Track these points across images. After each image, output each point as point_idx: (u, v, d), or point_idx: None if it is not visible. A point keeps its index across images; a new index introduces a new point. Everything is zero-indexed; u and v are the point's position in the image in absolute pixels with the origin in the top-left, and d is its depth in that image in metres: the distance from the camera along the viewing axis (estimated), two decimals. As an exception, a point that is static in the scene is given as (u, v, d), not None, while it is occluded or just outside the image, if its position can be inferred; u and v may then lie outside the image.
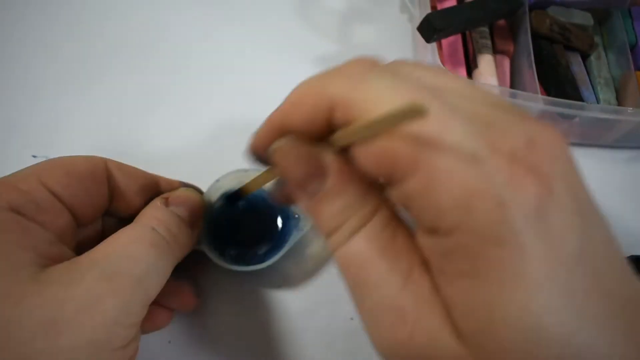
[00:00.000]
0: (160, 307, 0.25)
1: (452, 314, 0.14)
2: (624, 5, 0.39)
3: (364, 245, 0.15)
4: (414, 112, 0.12)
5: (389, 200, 0.16)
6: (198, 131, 0.35)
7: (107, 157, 0.24)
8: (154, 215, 0.22)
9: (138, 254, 0.20)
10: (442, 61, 0.35)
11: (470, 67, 0.38)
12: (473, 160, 0.13)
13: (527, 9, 0.37)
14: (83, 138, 0.34)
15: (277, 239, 0.29)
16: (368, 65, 0.16)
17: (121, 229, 0.21)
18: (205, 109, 0.36)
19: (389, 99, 0.14)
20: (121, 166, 0.24)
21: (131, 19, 0.39)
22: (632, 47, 0.38)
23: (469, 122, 0.13)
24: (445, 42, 0.38)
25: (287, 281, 0.30)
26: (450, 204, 0.13)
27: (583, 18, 0.38)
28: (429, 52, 0.34)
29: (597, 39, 0.39)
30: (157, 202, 0.23)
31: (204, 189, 0.28)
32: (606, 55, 0.39)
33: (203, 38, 0.39)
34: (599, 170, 0.37)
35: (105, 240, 0.20)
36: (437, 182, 0.13)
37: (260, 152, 0.19)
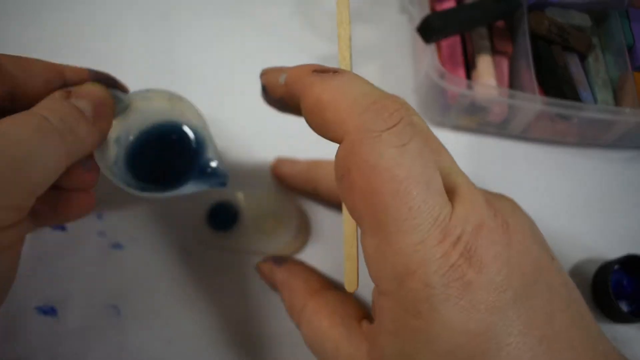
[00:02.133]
0: (72, 191, 0.23)
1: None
2: (621, 7, 0.40)
3: None
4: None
5: None
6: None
7: None
8: (48, 106, 0.20)
9: (18, 136, 0.18)
10: (441, 62, 0.35)
11: (469, 68, 0.38)
12: (421, 243, 0.15)
13: (525, 11, 0.37)
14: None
15: (187, 172, 0.27)
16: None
17: (8, 116, 0.19)
18: (205, 109, 0.36)
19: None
20: (17, 60, 0.22)
21: (129, 18, 0.39)
22: (630, 49, 0.38)
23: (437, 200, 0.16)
24: (444, 43, 0.38)
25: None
26: (390, 274, 0.16)
27: (581, 19, 0.39)
28: (428, 53, 0.34)
29: (594, 40, 0.39)
30: (55, 94, 0.21)
31: None
32: (604, 57, 0.39)
33: (201, 38, 0.39)
34: (597, 171, 0.37)
35: None
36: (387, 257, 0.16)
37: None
